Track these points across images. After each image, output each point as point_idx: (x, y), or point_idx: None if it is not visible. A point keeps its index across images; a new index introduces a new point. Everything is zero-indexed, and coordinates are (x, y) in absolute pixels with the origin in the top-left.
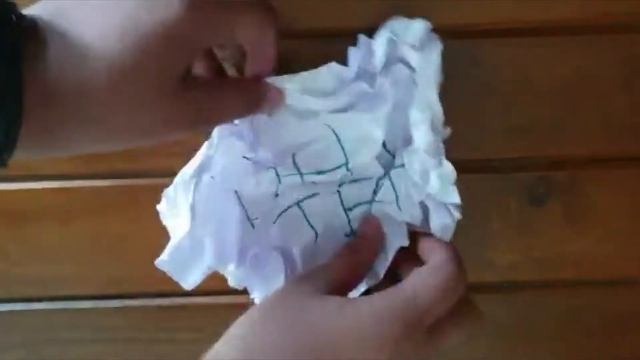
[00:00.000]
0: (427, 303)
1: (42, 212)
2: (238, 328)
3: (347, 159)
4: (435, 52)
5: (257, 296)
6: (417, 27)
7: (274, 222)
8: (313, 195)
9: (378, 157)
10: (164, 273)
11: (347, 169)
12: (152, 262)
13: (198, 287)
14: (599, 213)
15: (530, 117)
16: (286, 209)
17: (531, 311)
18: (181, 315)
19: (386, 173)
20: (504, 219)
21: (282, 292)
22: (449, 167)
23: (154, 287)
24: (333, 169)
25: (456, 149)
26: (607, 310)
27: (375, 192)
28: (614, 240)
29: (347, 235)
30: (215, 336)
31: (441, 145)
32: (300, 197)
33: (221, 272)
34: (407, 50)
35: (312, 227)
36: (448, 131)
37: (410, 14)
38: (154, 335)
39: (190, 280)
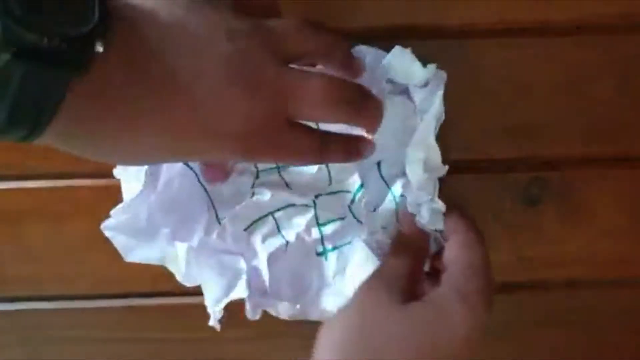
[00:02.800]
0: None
1: (37, 211)
2: (342, 333)
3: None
4: (439, 90)
5: (209, 298)
6: (423, 73)
7: (244, 230)
8: (287, 206)
9: (362, 170)
10: (161, 272)
11: (327, 166)
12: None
13: (197, 287)
14: (592, 213)
15: (524, 117)
16: (258, 219)
17: (525, 310)
18: (178, 314)
19: (362, 185)
20: (498, 218)
21: (370, 303)
22: (439, 204)
23: (151, 286)
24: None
25: (451, 149)
26: (601, 309)
27: (350, 208)
28: (607, 240)
29: (318, 254)
30: (213, 335)
31: (436, 182)
32: (275, 207)
33: (170, 267)
34: (412, 86)
35: (283, 236)
36: (445, 169)
37: (411, 14)
38: (151, 334)
39: (130, 255)
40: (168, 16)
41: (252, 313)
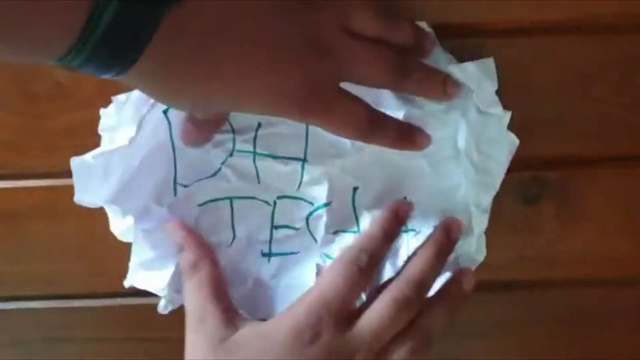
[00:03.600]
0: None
1: (34, 210)
2: None
3: (305, 155)
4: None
5: (133, 262)
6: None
7: (198, 205)
8: (248, 197)
9: (333, 188)
10: None
11: (302, 168)
12: None
13: None
14: (592, 212)
15: (523, 117)
16: (216, 200)
17: (524, 310)
18: (175, 313)
19: (328, 204)
20: (497, 218)
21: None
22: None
23: None
24: (287, 158)
25: None
26: (601, 308)
27: (307, 220)
28: (606, 240)
29: (263, 255)
30: None
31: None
32: (236, 194)
33: (109, 211)
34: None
35: (233, 228)
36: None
37: (412, 13)
38: (147, 334)
39: (83, 198)
40: None
41: (164, 307)
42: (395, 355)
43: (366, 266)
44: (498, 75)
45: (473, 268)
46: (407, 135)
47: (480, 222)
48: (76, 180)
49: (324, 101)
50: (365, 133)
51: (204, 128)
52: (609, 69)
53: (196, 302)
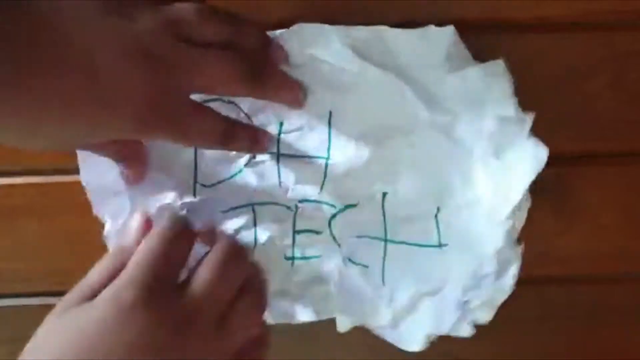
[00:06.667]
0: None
1: (27, 207)
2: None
3: (328, 154)
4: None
5: None
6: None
7: (221, 212)
8: (270, 203)
9: (359, 190)
10: None
11: (325, 167)
12: None
13: None
14: (587, 209)
15: None
16: (238, 207)
17: (521, 306)
18: None
19: (352, 205)
20: None
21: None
22: None
23: None
24: (311, 157)
25: None
26: (595, 305)
27: (330, 224)
28: (602, 236)
29: (286, 259)
30: None
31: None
32: (257, 200)
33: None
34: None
35: (255, 235)
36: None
37: (407, 9)
38: None
39: (90, 180)
40: None
41: None
42: (239, 311)
43: (180, 233)
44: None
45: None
46: (261, 139)
47: (506, 235)
48: (82, 161)
49: (166, 116)
50: (219, 144)
51: (131, 168)
52: (604, 65)
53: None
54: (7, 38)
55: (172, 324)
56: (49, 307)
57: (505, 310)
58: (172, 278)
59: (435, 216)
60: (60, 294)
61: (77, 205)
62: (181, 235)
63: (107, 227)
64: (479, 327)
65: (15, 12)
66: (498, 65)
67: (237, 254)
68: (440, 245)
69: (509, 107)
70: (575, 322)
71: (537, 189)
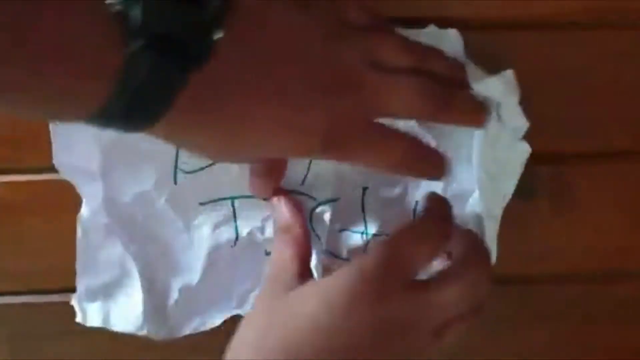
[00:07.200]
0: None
1: (27, 205)
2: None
3: None
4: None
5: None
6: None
7: (200, 204)
8: (249, 196)
9: (341, 186)
10: None
11: (309, 161)
12: None
13: None
14: (586, 207)
15: None
16: (217, 200)
17: (520, 304)
18: None
19: (334, 200)
20: None
21: (268, 304)
22: None
23: None
24: None
25: None
26: (594, 302)
27: (311, 217)
28: (600, 234)
29: (267, 253)
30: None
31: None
32: (236, 193)
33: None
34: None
35: (236, 228)
36: None
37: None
38: None
39: (62, 160)
40: (277, 11)
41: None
42: (453, 334)
43: (438, 241)
44: (491, 69)
45: None
46: (438, 166)
47: (492, 230)
48: (55, 139)
49: (353, 139)
50: (401, 167)
51: (267, 179)
52: (603, 63)
53: (280, 256)
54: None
55: (395, 326)
56: (51, 305)
57: (503, 308)
58: (412, 275)
59: (414, 209)
60: (62, 291)
61: (80, 204)
62: (440, 233)
63: (83, 209)
64: (476, 327)
65: (246, 31)
66: (508, 76)
67: (488, 275)
68: None
69: (516, 115)
70: (574, 320)
71: (535, 186)
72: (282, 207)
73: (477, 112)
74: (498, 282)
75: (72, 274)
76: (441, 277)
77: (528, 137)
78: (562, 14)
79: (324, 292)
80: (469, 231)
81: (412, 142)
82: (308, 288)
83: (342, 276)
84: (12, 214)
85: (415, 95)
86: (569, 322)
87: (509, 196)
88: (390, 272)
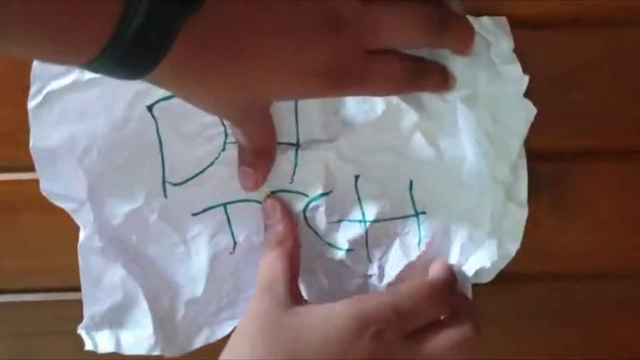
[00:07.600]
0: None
1: (29, 203)
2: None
3: (298, 141)
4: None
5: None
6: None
7: (193, 215)
8: (241, 200)
9: (332, 179)
10: None
11: (296, 155)
12: None
13: None
14: (586, 206)
15: None
16: (209, 208)
17: (520, 303)
18: None
19: (326, 193)
20: None
21: (261, 312)
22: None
23: None
24: (280, 143)
25: None
26: (594, 301)
27: (305, 214)
28: (601, 233)
29: None
30: None
31: None
32: (228, 198)
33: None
34: None
35: (232, 235)
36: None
37: None
38: None
39: (50, 187)
40: None
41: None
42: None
43: (447, 300)
44: None
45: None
46: (443, 78)
47: (499, 197)
48: (40, 168)
49: (354, 72)
50: (402, 88)
51: (258, 163)
52: (604, 61)
53: (270, 269)
54: None
55: None
56: (50, 304)
57: (503, 307)
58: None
59: (410, 189)
60: (62, 290)
61: None
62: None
63: (80, 235)
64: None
65: None
66: (502, 21)
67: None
68: (417, 214)
69: (510, 59)
70: (574, 319)
71: (536, 185)
72: (277, 215)
73: (470, 40)
74: (500, 281)
75: (72, 272)
76: (434, 331)
77: (528, 136)
78: (566, 12)
79: (327, 320)
80: (463, 294)
81: (412, 59)
82: (310, 316)
83: (346, 306)
84: (13, 212)
85: (408, 23)
86: (570, 321)
87: (513, 159)
88: (393, 324)
